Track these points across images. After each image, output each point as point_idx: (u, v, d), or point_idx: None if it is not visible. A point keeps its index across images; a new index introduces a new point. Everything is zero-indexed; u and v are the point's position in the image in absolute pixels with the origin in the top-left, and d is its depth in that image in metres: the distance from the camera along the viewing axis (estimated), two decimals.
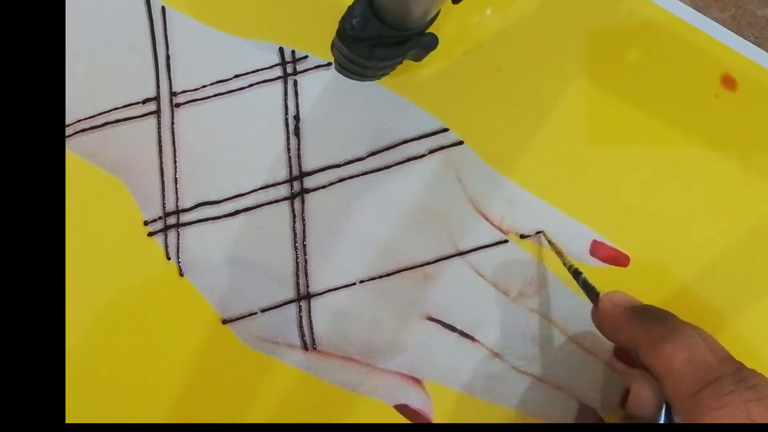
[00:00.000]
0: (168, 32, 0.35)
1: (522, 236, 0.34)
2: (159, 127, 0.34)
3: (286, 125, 0.34)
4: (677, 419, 0.25)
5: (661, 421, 0.25)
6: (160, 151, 0.34)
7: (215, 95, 0.34)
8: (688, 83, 0.35)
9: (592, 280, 0.33)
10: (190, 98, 0.34)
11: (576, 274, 0.31)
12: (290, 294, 0.33)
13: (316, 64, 0.35)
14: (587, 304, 0.34)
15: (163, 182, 0.34)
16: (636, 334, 0.26)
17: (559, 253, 0.32)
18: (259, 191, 0.34)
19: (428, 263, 0.34)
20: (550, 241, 0.33)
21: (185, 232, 0.34)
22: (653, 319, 0.26)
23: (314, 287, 0.34)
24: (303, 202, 0.34)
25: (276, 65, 0.35)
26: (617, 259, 0.34)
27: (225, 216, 0.34)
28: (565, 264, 0.32)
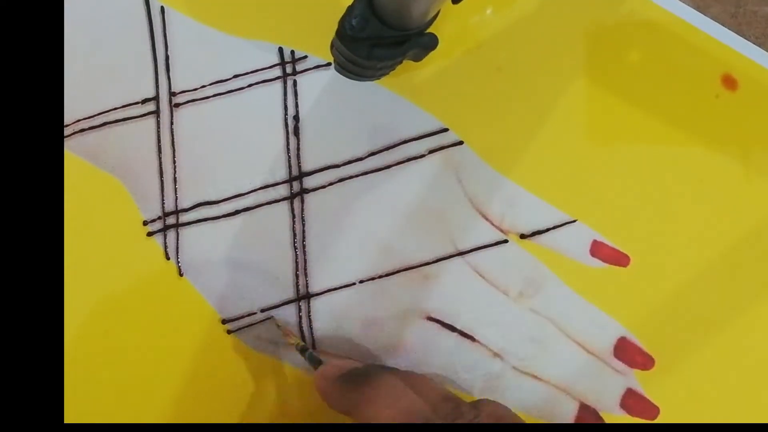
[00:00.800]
0: (167, 32, 0.35)
1: (522, 236, 0.34)
2: (158, 127, 0.34)
3: (286, 125, 0.34)
4: None
5: None
6: (159, 151, 0.34)
7: (214, 95, 0.34)
8: (688, 83, 0.35)
9: (594, 281, 0.33)
10: (189, 98, 0.34)
11: (302, 350, 0.30)
12: (290, 294, 0.33)
13: (315, 64, 0.35)
14: (587, 304, 0.34)
15: (162, 182, 0.34)
16: (344, 404, 0.26)
17: (286, 334, 0.32)
18: (259, 191, 0.34)
19: (428, 263, 0.34)
20: (277, 325, 0.32)
21: (184, 232, 0.34)
22: (353, 384, 0.26)
23: (314, 287, 0.34)
24: (302, 202, 0.34)
25: (275, 65, 0.35)
26: (617, 259, 0.34)
27: (224, 216, 0.34)
28: (292, 344, 0.31)
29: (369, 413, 0.24)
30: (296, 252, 0.34)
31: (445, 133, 0.34)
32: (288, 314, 0.33)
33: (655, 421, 0.33)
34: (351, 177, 0.34)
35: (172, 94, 0.34)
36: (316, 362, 0.29)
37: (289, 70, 0.35)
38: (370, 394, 0.25)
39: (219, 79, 0.34)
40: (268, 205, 0.34)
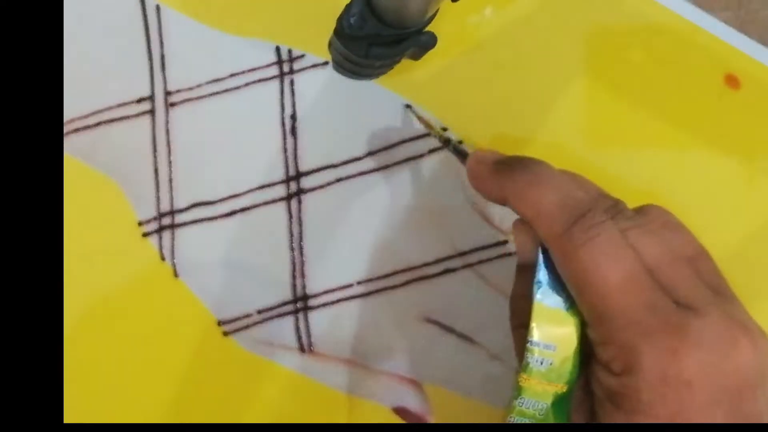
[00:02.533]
0: (162, 30, 0.34)
1: None
2: (153, 127, 0.34)
3: (283, 125, 0.34)
4: (556, 261, 0.23)
5: (540, 266, 0.23)
6: (155, 151, 0.34)
7: (211, 94, 0.34)
8: (690, 82, 0.35)
9: None
10: (185, 97, 0.34)
11: (446, 142, 0.30)
12: (287, 295, 0.33)
13: (313, 63, 0.34)
14: None
15: (157, 182, 0.34)
16: (501, 186, 0.24)
17: (427, 125, 0.31)
18: (255, 191, 0.34)
19: (427, 264, 0.33)
20: (418, 116, 0.32)
21: (180, 232, 0.33)
22: (516, 168, 0.24)
23: (311, 288, 0.33)
24: (300, 202, 0.34)
25: (272, 64, 0.34)
26: None
27: (220, 216, 0.34)
28: (435, 135, 0.31)
29: (532, 197, 0.23)
30: (293, 253, 0.33)
31: (444, 133, 0.34)
32: (285, 316, 0.33)
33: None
34: (349, 177, 0.34)
35: (167, 93, 0.34)
36: (463, 154, 0.28)
37: (286, 68, 0.34)
38: (531, 177, 0.23)
39: (215, 77, 0.34)
40: (265, 206, 0.34)
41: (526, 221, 0.24)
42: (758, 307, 0.33)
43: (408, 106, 0.33)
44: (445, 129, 0.31)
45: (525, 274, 0.25)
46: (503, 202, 0.24)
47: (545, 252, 0.23)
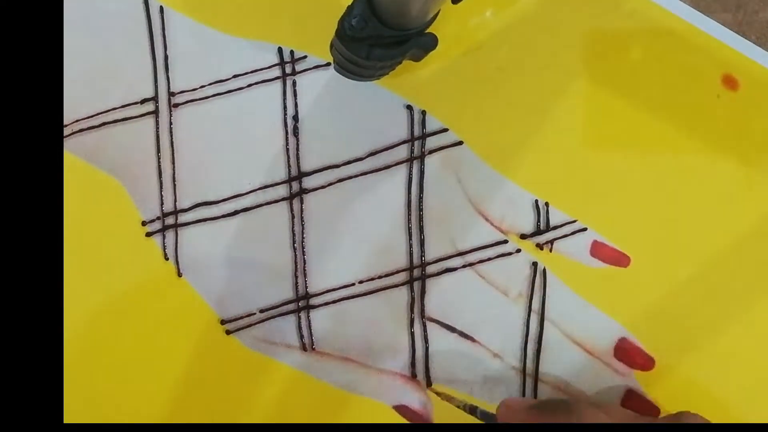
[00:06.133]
0: (166, 32, 0.35)
1: (522, 236, 0.34)
2: (157, 128, 0.34)
3: (285, 125, 0.34)
4: None
5: None
6: (158, 152, 0.34)
7: (214, 95, 0.34)
8: (689, 83, 0.35)
9: (594, 281, 0.33)
10: (188, 98, 0.34)
11: (472, 410, 0.31)
12: (289, 294, 0.33)
13: (315, 64, 0.35)
14: (587, 304, 0.34)
15: (161, 182, 0.34)
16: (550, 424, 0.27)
17: (449, 398, 0.32)
18: (258, 192, 0.34)
19: (428, 263, 0.34)
20: (438, 393, 0.33)
21: (183, 232, 0.34)
22: (560, 411, 0.27)
23: (313, 287, 0.33)
24: (302, 202, 0.34)
25: (275, 65, 0.35)
26: (618, 259, 0.34)
27: (223, 216, 0.34)
28: (458, 406, 0.31)
29: None
30: (295, 252, 0.34)
31: (445, 133, 0.34)
32: (287, 314, 0.33)
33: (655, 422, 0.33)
34: (350, 177, 0.34)
35: (171, 94, 0.34)
36: (489, 417, 0.30)
37: (288, 70, 0.35)
38: (575, 419, 0.26)
39: (218, 79, 0.34)
40: (267, 206, 0.34)
41: None
42: (757, 307, 0.34)
43: (430, 388, 0.33)
44: (466, 405, 0.31)
45: None
46: None
47: None
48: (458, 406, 0.31)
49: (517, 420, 0.28)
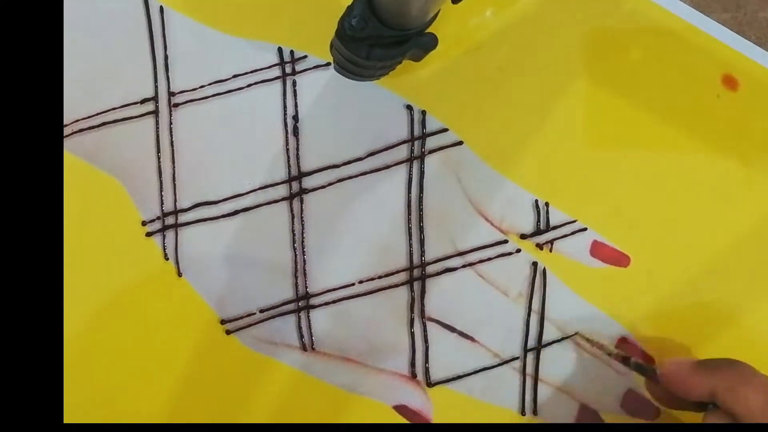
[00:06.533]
0: (166, 32, 0.35)
1: (522, 236, 0.34)
2: (157, 128, 0.34)
3: (285, 125, 0.34)
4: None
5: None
6: (158, 152, 0.34)
7: (213, 95, 0.34)
8: (689, 83, 0.35)
9: (594, 281, 0.33)
10: (188, 98, 0.34)
11: (625, 360, 0.31)
12: (289, 294, 0.33)
13: (315, 64, 0.35)
14: (587, 304, 0.34)
15: (161, 182, 0.34)
16: (711, 383, 0.27)
17: (601, 346, 0.32)
18: (258, 191, 0.34)
19: (428, 263, 0.34)
20: (589, 339, 0.33)
21: (183, 232, 0.34)
22: (724, 368, 0.28)
23: (313, 287, 0.33)
24: (302, 202, 0.34)
25: (275, 65, 0.35)
26: (618, 259, 0.34)
27: (223, 216, 0.34)
28: (611, 354, 0.32)
29: (744, 394, 0.26)
30: (295, 252, 0.34)
31: (445, 133, 0.34)
32: (287, 314, 0.33)
33: (655, 422, 0.33)
34: (350, 177, 0.34)
35: (171, 94, 0.34)
36: (647, 369, 0.30)
37: (288, 70, 0.35)
38: (740, 377, 0.27)
39: (218, 79, 0.34)
40: (268, 206, 0.34)
41: (723, 414, 0.27)
42: (757, 307, 0.34)
43: (577, 333, 0.33)
44: (618, 354, 0.32)
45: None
46: (709, 398, 0.28)
47: None
48: (609, 354, 0.32)
49: (681, 373, 0.28)
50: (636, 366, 0.31)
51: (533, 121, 0.34)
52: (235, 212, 0.34)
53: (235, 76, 0.34)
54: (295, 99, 0.34)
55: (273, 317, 0.33)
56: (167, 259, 0.33)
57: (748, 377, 0.27)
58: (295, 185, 0.34)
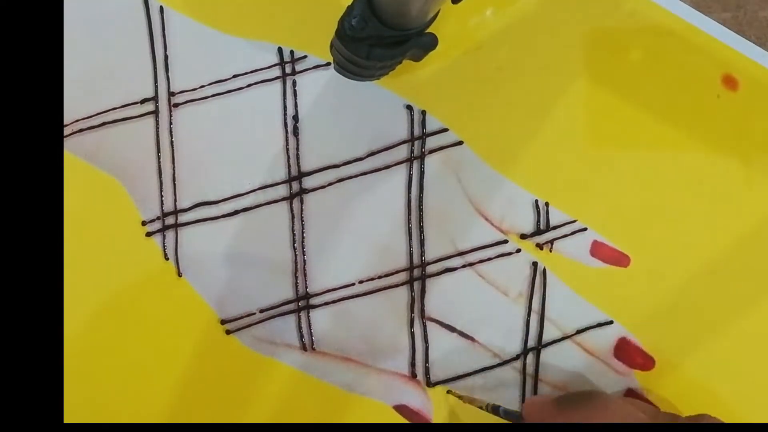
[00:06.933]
0: (166, 32, 0.35)
1: (522, 236, 0.34)
2: (157, 128, 0.34)
3: (285, 125, 0.34)
4: None
5: None
6: (158, 152, 0.34)
7: (214, 95, 0.34)
8: (689, 83, 0.35)
9: (594, 281, 0.33)
10: (188, 98, 0.34)
11: (494, 409, 0.31)
12: (289, 294, 0.33)
13: (315, 64, 0.35)
14: (587, 304, 0.34)
15: (161, 182, 0.34)
16: (572, 418, 0.28)
17: (471, 400, 0.32)
18: (258, 191, 0.34)
19: (428, 263, 0.34)
20: (459, 396, 0.33)
21: (183, 232, 0.34)
22: (583, 401, 0.28)
23: (313, 287, 0.33)
24: (302, 202, 0.34)
25: (275, 65, 0.35)
26: (617, 259, 0.34)
27: (223, 216, 0.34)
28: (480, 407, 0.32)
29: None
30: (295, 252, 0.34)
31: (445, 133, 0.34)
32: (287, 314, 0.33)
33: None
34: (350, 177, 0.34)
35: (171, 94, 0.34)
36: (514, 415, 0.30)
37: (288, 70, 0.35)
38: (598, 407, 0.28)
39: (218, 79, 0.34)
40: (268, 206, 0.34)
41: None
42: (757, 306, 0.34)
43: (449, 392, 0.33)
44: (488, 405, 0.32)
45: None
46: None
47: None
48: (481, 407, 0.32)
49: (543, 415, 0.29)
50: (505, 413, 0.31)
51: (533, 121, 0.34)
52: (235, 212, 0.34)
53: (235, 76, 0.34)
54: (295, 99, 0.34)
55: (273, 317, 0.33)
56: (167, 259, 0.33)
57: (603, 406, 0.27)
58: (295, 185, 0.34)
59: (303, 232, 0.34)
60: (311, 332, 0.33)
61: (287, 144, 0.34)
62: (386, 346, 0.33)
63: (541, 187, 0.34)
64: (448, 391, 0.33)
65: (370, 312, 0.33)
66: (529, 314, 0.33)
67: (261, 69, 0.34)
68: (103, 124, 0.34)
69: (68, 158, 0.34)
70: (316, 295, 0.33)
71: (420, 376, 0.33)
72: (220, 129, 0.34)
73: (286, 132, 0.34)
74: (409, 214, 0.34)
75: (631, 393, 0.33)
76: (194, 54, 0.35)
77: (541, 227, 0.34)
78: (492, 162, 0.34)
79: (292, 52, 0.35)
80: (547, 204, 0.34)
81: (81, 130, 0.34)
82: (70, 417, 0.32)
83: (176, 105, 0.34)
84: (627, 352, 0.33)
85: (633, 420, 0.27)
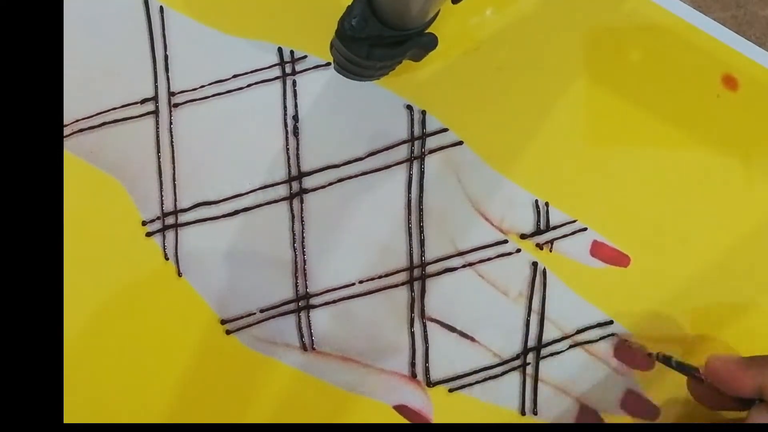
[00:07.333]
0: (166, 32, 0.35)
1: (522, 236, 0.34)
2: (157, 128, 0.34)
3: (285, 125, 0.34)
4: None
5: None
6: (159, 152, 0.34)
7: (214, 95, 0.34)
8: (689, 83, 0.35)
9: (594, 281, 0.33)
10: (188, 98, 0.34)
11: (666, 359, 0.31)
12: (289, 294, 0.33)
13: (315, 64, 0.35)
14: (587, 304, 0.34)
15: (161, 182, 0.34)
16: (760, 378, 0.27)
17: (641, 347, 0.32)
18: (258, 191, 0.34)
19: (428, 263, 0.34)
20: (627, 342, 0.33)
21: (183, 232, 0.34)
22: (766, 363, 0.27)
23: (313, 287, 0.33)
24: (302, 202, 0.34)
25: (275, 65, 0.35)
26: (618, 259, 0.34)
27: (223, 216, 0.34)
28: (651, 354, 0.32)
29: None
30: (295, 252, 0.34)
31: (445, 133, 0.34)
32: (287, 314, 0.33)
33: (656, 422, 0.33)
34: (350, 177, 0.34)
35: (171, 94, 0.34)
36: (689, 369, 0.30)
37: (288, 70, 0.35)
38: None
39: (218, 79, 0.34)
40: (268, 206, 0.34)
41: None
42: (757, 306, 0.34)
43: (625, 341, 0.33)
44: (659, 354, 0.32)
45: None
46: (756, 394, 0.27)
47: None
48: (650, 355, 0.32)
49: (728, 373, 0.28)
50: (678, 365, 0.30)
51: (533, 121, 0.34)
52: (236, 212, 0.34)
53: (235, 76, 0.34)
54: (295, 99, 0.34)
55: (273, 317, 0.33)
56: (167, 259, 0.33)
57: None
58: (295, 185, 0.34)
59: (303, 232, 0.34)
60: (311, 332, 0.33)
61: (287, 144, 0.34)
62: (386, 346, 0.33)
63: (541, 187, 0.34)
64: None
65: (370, 312, 0.33)
66: (529, 314, 0.33)
67: (261, 69, 0.34)
68: (103, 124, 0.34)
69: (68, 158, 0.34)
70: (316, 295, 0.33)
71: (420, 376, 0.33)
72: (220, 129, 0.34)
73: (286, 132, 0.34)
74: (409, 214, 0.34)
75: (631, 393, 0.33)
76: (194, 54, 0.35)
77: (541, 227, 0.34)
78: (492, 162, 0.34)
79: (292, 52, 0.35)
80: (547, 204, 0.34)
81: (81, 130, 0.34)
82: (70, 417, 0.32)
83: (176, 105, 0.34)
84: (627, 352, 0.33)
85: None
